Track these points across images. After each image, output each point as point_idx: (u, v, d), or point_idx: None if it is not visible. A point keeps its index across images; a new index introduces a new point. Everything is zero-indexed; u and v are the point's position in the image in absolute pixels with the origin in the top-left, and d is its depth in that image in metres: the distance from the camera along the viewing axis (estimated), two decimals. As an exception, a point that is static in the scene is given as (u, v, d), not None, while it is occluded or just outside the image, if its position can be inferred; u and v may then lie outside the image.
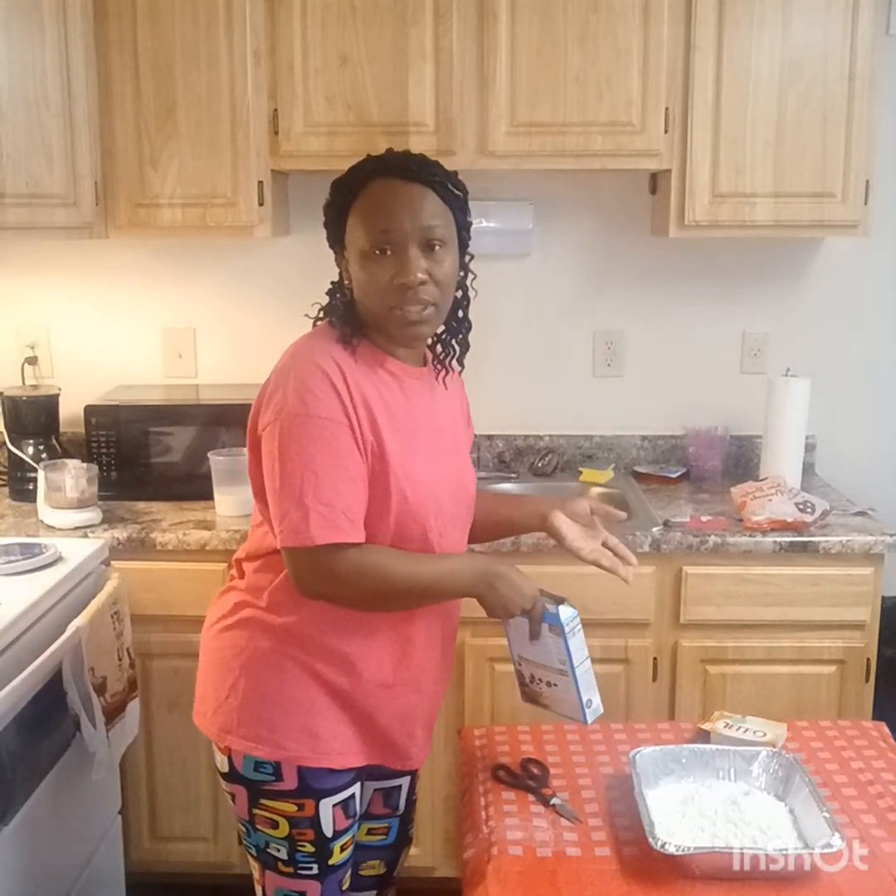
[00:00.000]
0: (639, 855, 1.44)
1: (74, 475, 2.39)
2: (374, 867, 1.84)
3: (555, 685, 1.61)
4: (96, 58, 2.44)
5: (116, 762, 2.18)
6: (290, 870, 1.64)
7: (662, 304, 2.88)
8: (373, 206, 1.54)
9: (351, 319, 1.60)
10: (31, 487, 2.55)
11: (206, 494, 2.50)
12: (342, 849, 1.66)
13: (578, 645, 1.60)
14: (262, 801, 1.62)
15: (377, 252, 1.53)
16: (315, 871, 1.64)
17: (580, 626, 1.61)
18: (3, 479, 2.75)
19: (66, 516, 2.39)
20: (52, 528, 2.40)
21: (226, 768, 1.65)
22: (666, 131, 2.47)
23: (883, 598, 2.39)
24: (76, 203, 2.43)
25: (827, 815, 1.44)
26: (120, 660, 2.16)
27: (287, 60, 2.44)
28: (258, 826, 1.64)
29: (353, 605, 1.56)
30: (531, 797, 1.62)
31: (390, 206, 1.52)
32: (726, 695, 2.39)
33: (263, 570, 1.62)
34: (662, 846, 1.38)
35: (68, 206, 2.41)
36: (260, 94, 2.46)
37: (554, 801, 1.60)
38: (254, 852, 1.67)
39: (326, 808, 1.61)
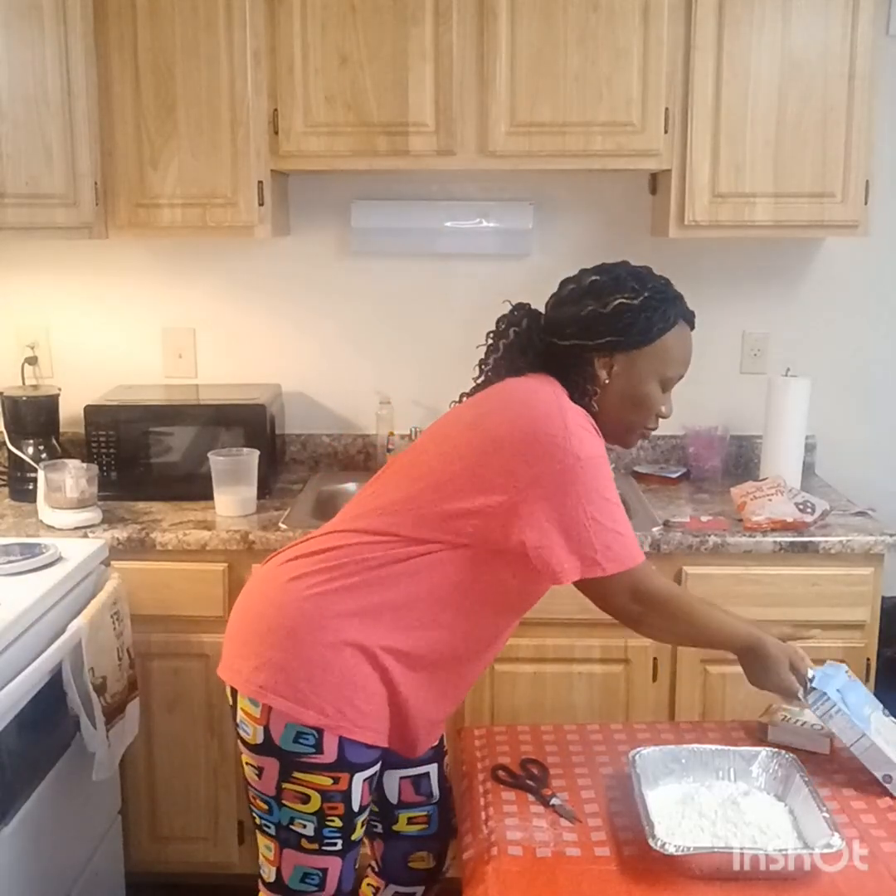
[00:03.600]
0: (639, 855, 1.44)
1: (74, 475, 2.39)
2: (423, 859, 1.87)
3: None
4: (96, 58, 2.44)
5: (116, 762, 2.18)
6: (315, 846, 1.64)
7: (662, 304, 2.88)
8: (680, 351, 1.72)
9: (591, 410, 1.67)
10: (31, 487, 2.55)
11: (206, 494, 2.50)
12: (361, 825, 1.68)
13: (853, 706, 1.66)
14: (296, 774, 1.60)
15: (662, 386, 1.72)
16: (339, 846, 1.65)
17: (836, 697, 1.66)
18: (3, 479, 2.75)
19: (66, 516, 2.39)
20: (52, 528, 2.40)
21: (260, 739, 1.61)
22: (666, 131, 2.47)
23: (883, 598, 2.39)
24: (76, 203, 2.43)
25: (827, 815, 1.44)
26: (120, 660, 2.16)
27: (287, 60, 2.44)
28: (285, 801, 1.63)
29: (664, 630, 1.70)
30: (531, 797, 1.62)
31: (687, 357, 1.74)
32: (726, 695, 2.39)
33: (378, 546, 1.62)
34: (662, 846, 1.38)
35: (68, 206, 2.41)
36: (260, 94, 2.46)
37: (553, 801, 1.60)
38: (272, 831, 1.66)
39: (359, 782, 1.63)
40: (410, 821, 1.84)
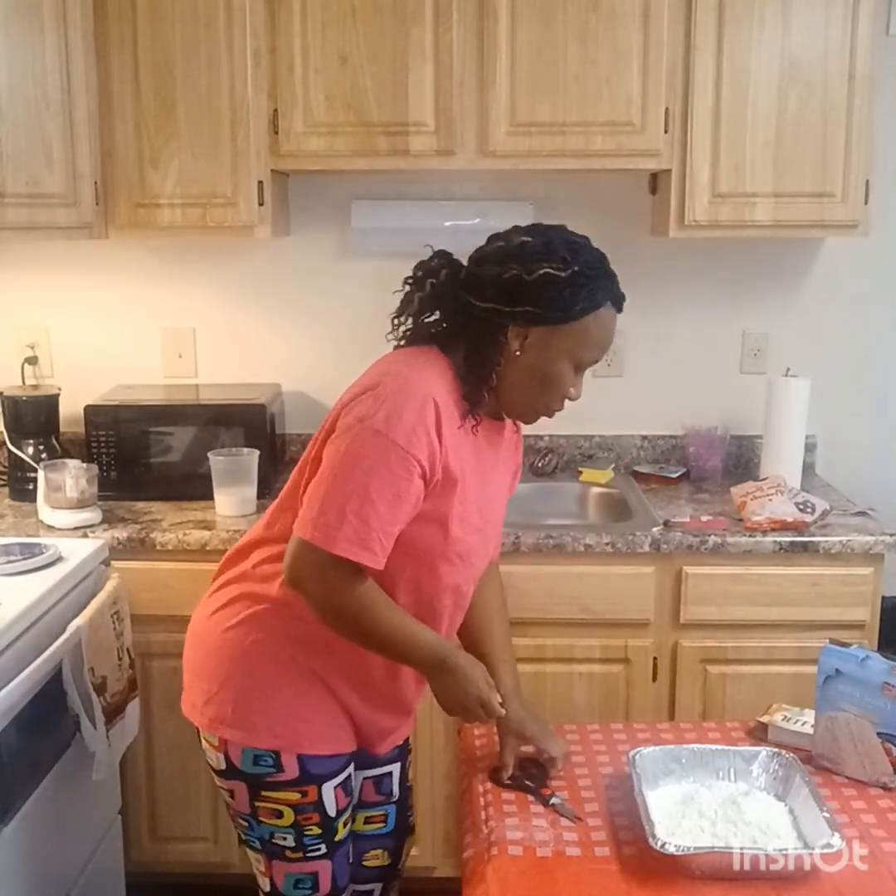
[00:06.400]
0: (639, 855, 1.44)
1: (74, 475, 2.39)
2: (377, 857, 1.86)
3: None
4: (96, 58, 2.44)
5: (116, 762, 2.18)
6: (299, 855, 1.66)
7: (662, 304, 2.88)
8: (601, 335, 1.59)
9: (487, 381, 1.58)
10: (31, 487, 2.55)
11: (206, 494, 2.50)
12: (344, 824, 1.70)
13: None
14: (264, 793, 1.63)
15: (575, 368, 1.59)
16: (323, 850, 1.67)
17: None
18: (3, 479, 2.75)
19: (66, 516, 2.39)
20: (52, 528, 2.40)
21: (223, 765, 1.64)
22: (666, 131, 2.47)
23: (883, 598, 2.39)
24: (76, 203, 2.42)
25: (827, 815, 1.44)
26: (120, 660, 2.16)
27: (287, 60, 2.44)
28: (261, 818, 1.65)
29: (324, 616, 1.55)
30: (531, 797, 1.62)
31: (607, 342, 1.61)
32: (726, 695, 2.39)
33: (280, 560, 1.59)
34: (662, 846, 1.38)
35: (68, 206, 2.41)
36: (260, 94, 2.46)
37: (553, 800, 1.60)
38: (257, 845, 1.68)
39: (328, 790, 1.64)
40: (367, 820, 1.84)
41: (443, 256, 1.62)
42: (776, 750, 1.64)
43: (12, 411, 2.66)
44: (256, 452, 2.51)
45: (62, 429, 2.73)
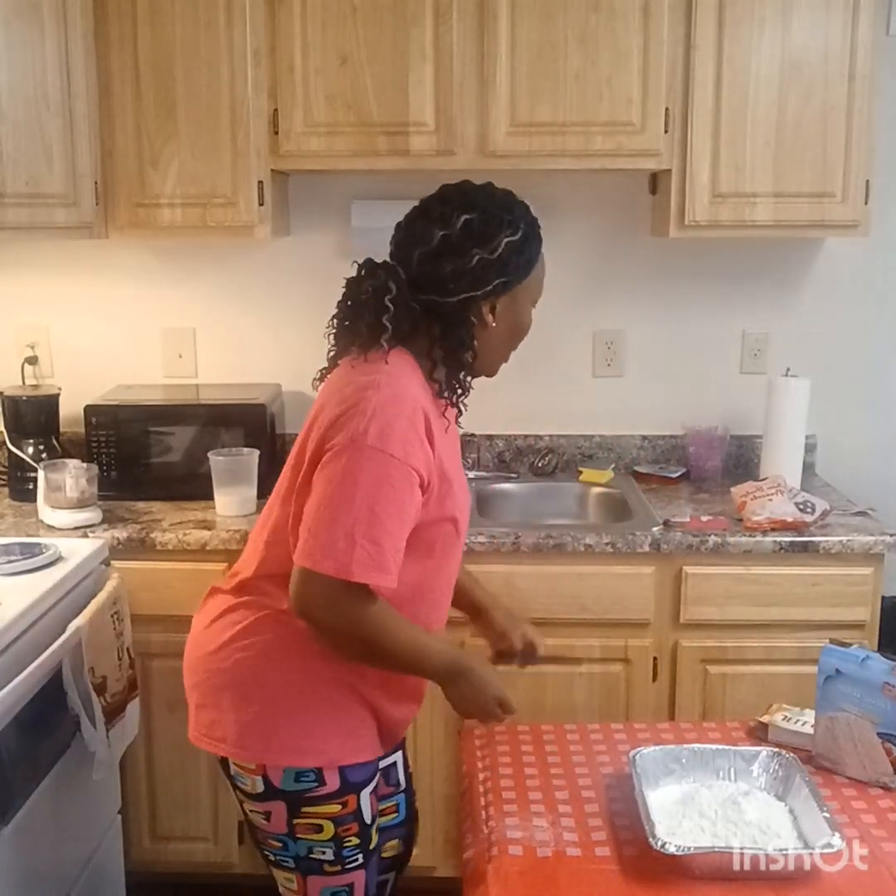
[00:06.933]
0: (639, 855, 1.44)
1: (74, 475, 2.39)
2: (393, 847, 1.89)
3: None
4: (96, 58, 2.44)
5: (116, 762, 2.18)
6: (338, 868, 1.64)
7: (662, 304, 2.88)
8: (543, 267, 1.65)
9: (465, 364, 1.59)
10: (31, 487, 2.55)
11: (206, 494, 2.50)
12: (376, 831, 1.71)
13: None
14: (304, 809, 1.60)
15: (533, 306, 1.65)
16: (360, 860, 1.65)
17: None
18: (3, 479, 2.75)
19: (66, 516, 2.39)
20: (52, 527, 2.40)
21: (260, 788, 1.61)
22: (666, 131, 2.47)
23: (883, 598, 2.39)
24: (76, 203, 2.43)
25: (827, 815, 1.44)
26: (120, 660, 2.16)
27: (287, 60, 2.44)
28: (299, 835, 1.62)
29: (336, 642, 1.55)
30: (531, 796, 1.62)
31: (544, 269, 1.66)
32: (726, 695, 2.39)
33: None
34: (662, 846, 1.38)
35: (68, 206, 2.41)
36: (260, 94, 2.46)
37: None
38: (291, 864, 1.64)
39: (365, 797, 1.65)
40: (382, 812, 1.83)
41: (381, 267, 1.60)
42: (776, 750, 1.64)
43: (12, 411, 2.67)
44: (256, 452, 2.51)
45: (62, 429, 2.73)
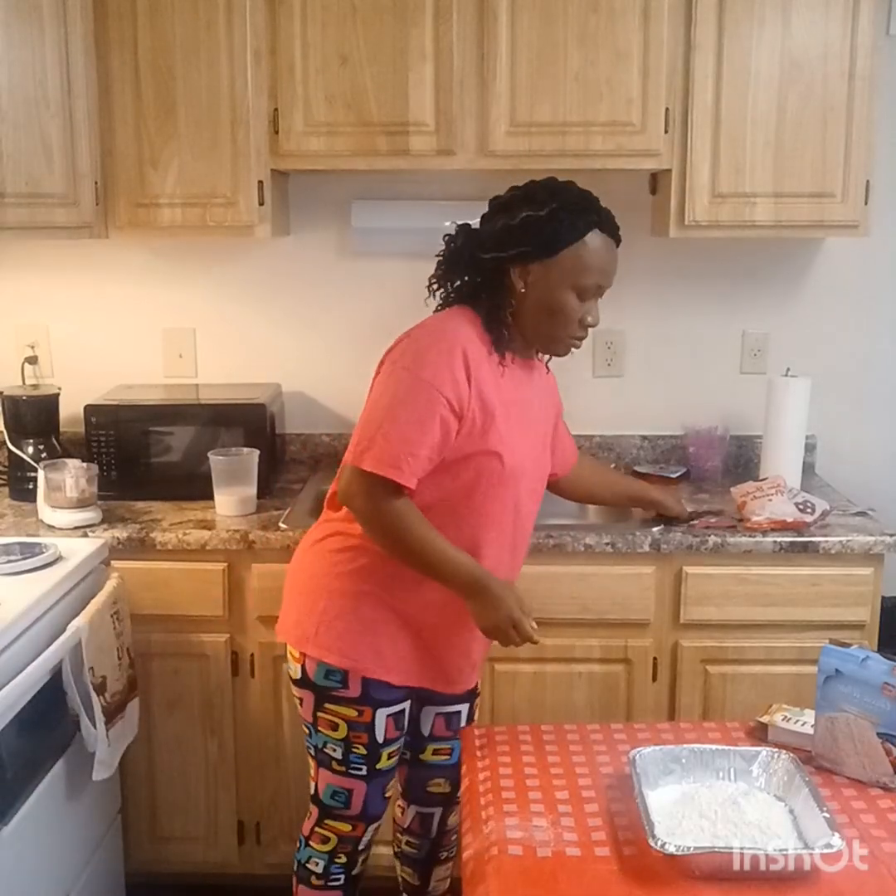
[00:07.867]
0: (639, 855, 1.44)
1: (74, 475, 2.39)
2: (440, 785, 2.12)
3: None
4: (96, 58, 2.44)
5: (116, 762, 2.18)
6: (343, 769, 1.92)
7: (662, 304, 2.88)
8: (593, 259, 1.81)
9: (505, 322, 1.83)
10: (31, 487, 2.55)
11: (206, 494, 2.50)
12: (389, 757, 1.94)
13: None
14: (327, 705, 1.88)
15: (578, 295, 1.81)
16: (363, 771, 1.92)
17: None
18: (3, 479, 2.75)
19: (66, 516, 2.39)
20: (52, 527, 2.40)
21: (298, 675, 1.90)
22: (666, 131, 2.47)
23: (883, 598, 2.39)
24: (76, 203, 2.43)
25: (827, 815, 1.44)
26: (120, 659, 2.17)
27: (287, 60, 2.44)
28: (320, 728, 1.91)
29: (368, 527, 1.79)
30: (531, 796, 1.62)
31: (604, 267, 1.83)
32: (726, 695, 2.39)
33: None
34: (662, 846, 1.38)
35: (68, 205, 2.42)
36: (260, 94, 2.46)
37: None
38: (312, 752, 1.96)
39: (381, 716, 1.89)
40: (435, 752, 2.09)
41: (463, 226, 1.88)
42: (776, 750, 1.64)
43: (12, 411, 2.66)
44: (256, 452, 2.51)
45: (62, 429, 2.73)
